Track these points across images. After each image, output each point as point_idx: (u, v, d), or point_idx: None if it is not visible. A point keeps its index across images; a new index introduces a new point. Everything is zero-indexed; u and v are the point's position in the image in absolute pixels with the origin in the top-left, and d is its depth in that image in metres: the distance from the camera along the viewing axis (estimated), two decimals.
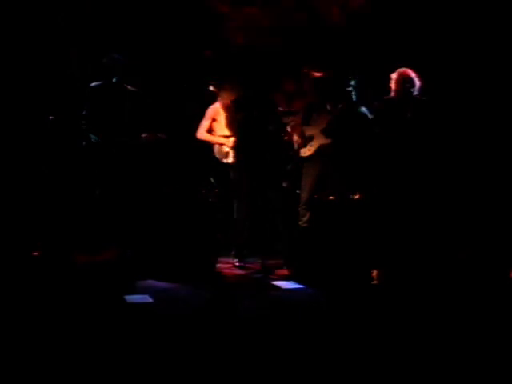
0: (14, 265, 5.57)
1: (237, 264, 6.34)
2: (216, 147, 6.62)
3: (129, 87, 6.13)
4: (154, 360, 3.68)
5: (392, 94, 5.84)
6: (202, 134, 6.60)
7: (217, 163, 6.65)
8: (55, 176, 6.38)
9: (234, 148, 6.46)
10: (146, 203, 6.23)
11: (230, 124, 6.52)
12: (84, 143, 6.07)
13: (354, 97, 6.10)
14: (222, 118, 6.56)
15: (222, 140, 6.56)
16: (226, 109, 6.55)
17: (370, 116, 5.92)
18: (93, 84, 6.11)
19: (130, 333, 4.21)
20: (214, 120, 6.58)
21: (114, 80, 6.01)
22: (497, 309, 4.74)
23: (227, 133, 6.54)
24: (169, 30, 7.18)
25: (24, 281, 5.27)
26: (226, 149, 6.54)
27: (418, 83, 5.77)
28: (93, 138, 6.00)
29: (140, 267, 5.78)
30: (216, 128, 6.59)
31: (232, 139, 6.50)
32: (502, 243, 5.85)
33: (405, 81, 5.80)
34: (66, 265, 5.66)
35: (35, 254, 5.86)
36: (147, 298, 5.08)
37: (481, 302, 4.89)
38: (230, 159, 6.51)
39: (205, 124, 6.58)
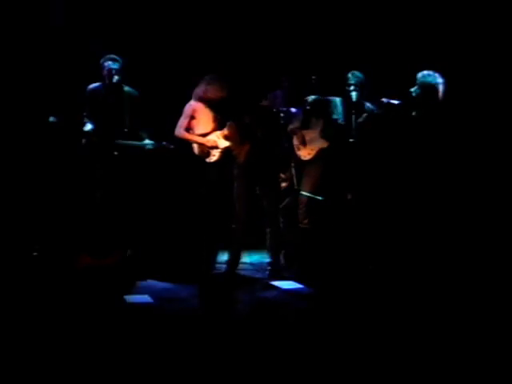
0: (13, 266, 5.58)
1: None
2: (195, 146, 6.50)
3: (128, 88, 6.14)
4: (154, 360, 3.69)
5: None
6: (180, 132, 6.36)
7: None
8: (56, 177, 6.39)
9: (214, 148, 6.30)
10: (146, 204, 6.25)
11: (211, 121, 6.40)
12: (83, 142, 6.08)
13: (353, 96, 6.13)
14: (200, 115, 6.36)
15: (202, 140, 6.39)
16: (207, 105, 6.35)
17: (376, 111, 5.96)
18: (91, 86, 6.12)
19: (130, 333, 4.22)
20: (192, 118, 6.36)
21: (113, 81, 6.01)
22: (496, 308, 4.74)
23: (205, 131, 6.34)
24: (167, 30, 7.20)
25: (23, 281, 5.29)
26: (206, 148, 6.40)
27: (441, 87, 5.78)
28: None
29: (140, 267, 5.79)
30: (194, 126, 6.38)
31: (211, 138, 6.32)
32: (502, 244, 5.85)
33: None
34: (66, 266, 5.68)
35: (35, 254, 5.87)
36: (147, 299, 5.10)
37: (480, 303, 4.89)
38: (213, 158, 6.35)
39: (183, 122, 6.35)
